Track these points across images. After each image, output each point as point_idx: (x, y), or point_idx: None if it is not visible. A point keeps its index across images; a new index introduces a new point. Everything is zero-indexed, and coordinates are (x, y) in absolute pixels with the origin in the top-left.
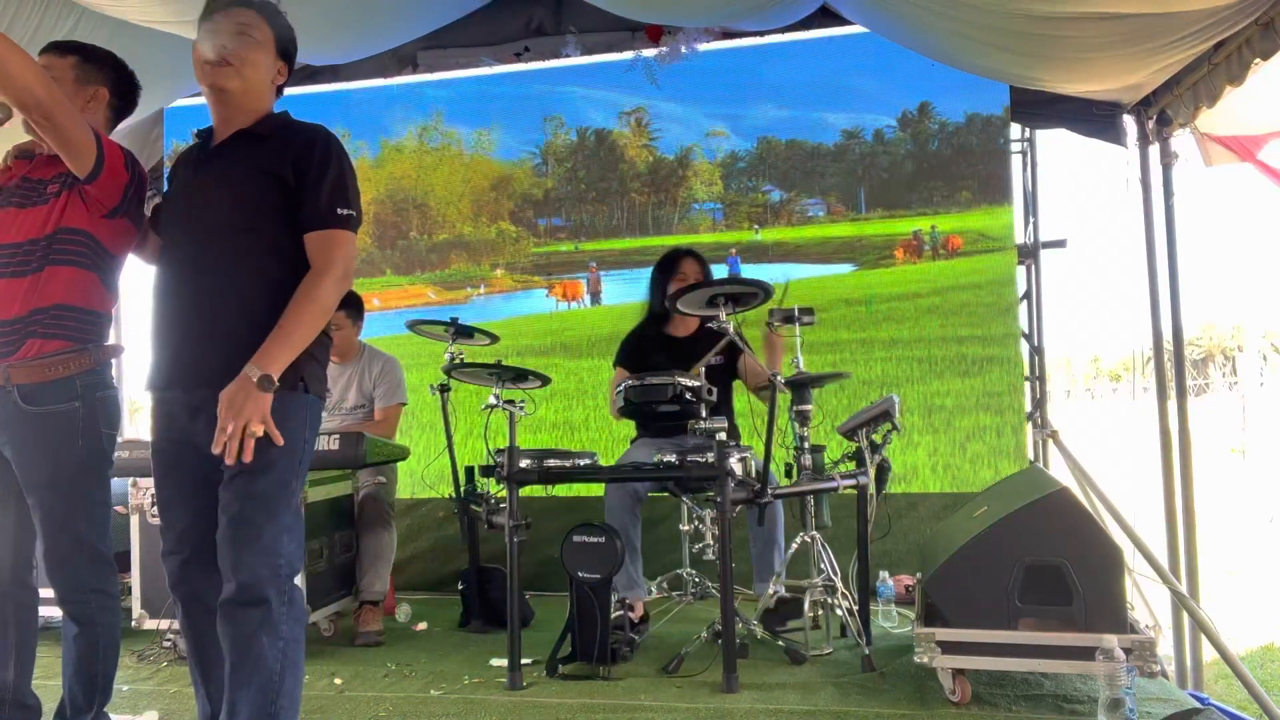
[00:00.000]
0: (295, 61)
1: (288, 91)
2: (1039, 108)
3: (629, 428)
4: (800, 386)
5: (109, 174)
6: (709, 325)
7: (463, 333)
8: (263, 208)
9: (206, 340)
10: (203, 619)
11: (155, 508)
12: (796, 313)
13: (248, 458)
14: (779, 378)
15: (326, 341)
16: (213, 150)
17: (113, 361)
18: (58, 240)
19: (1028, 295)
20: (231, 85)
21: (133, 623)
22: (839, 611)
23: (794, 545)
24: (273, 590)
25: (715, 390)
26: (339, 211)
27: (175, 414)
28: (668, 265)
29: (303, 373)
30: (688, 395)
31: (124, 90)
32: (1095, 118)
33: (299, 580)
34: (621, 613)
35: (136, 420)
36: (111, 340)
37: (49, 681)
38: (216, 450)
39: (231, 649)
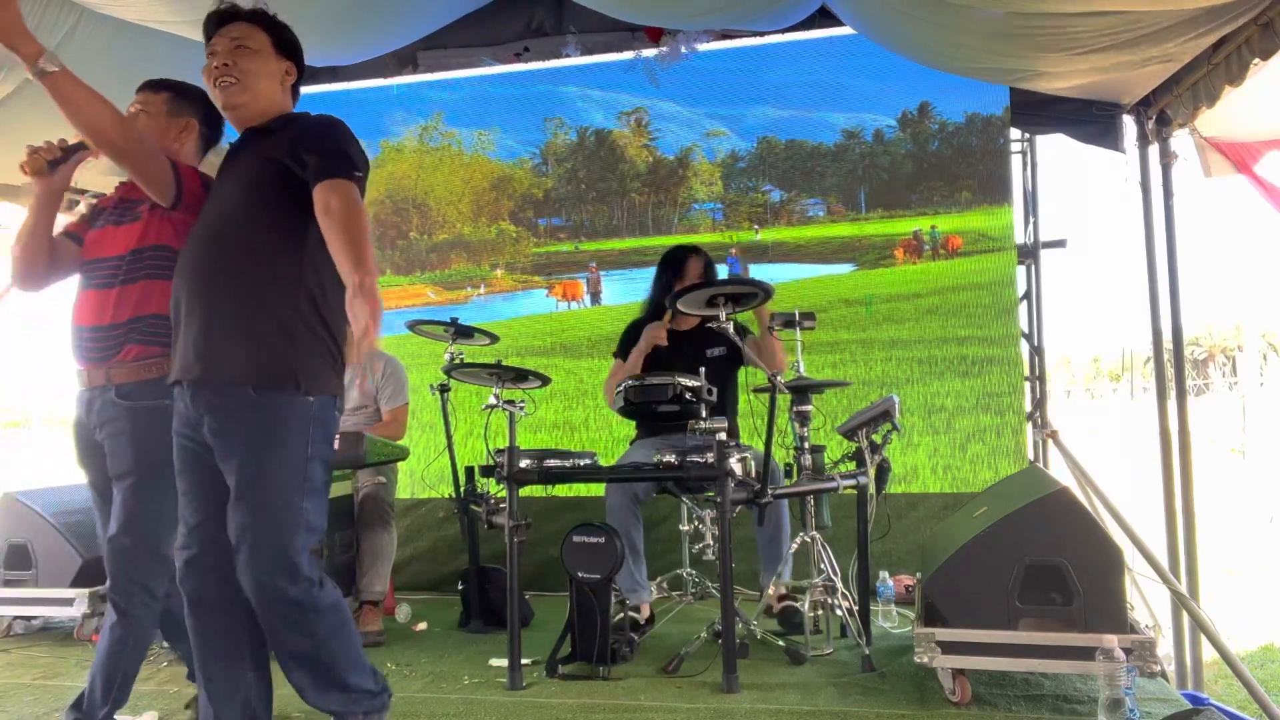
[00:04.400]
0: (303, 58)
1: None
2: (1038, 110)
3: (629, 428)
4: (799, 391)
5: (190, 199)
6: (709, 325)
7: (463, 333)
8: (270, 195)
9: (204, 333)
10: (205, 616)
11: None
12: (797, 317)
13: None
14: (779, 379)
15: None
16: (232, 152)
17: None
18: (149, 255)
19: (1028, 295)
20: (241, 100)
21: None
22: (839, 612)
23: (794, 545)
24: (291, 584)
25: (715, 390)
26: (342, 166)
27: (185, 411)
28: (673, 263)
29: (296, 371)
30: (688, 395)
31: (212, 119)
32: (1094, 119)
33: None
34: (622, 615)
35: None
36: None
37: (50, 682)
38: (358, 336)
39: (271, 640)
